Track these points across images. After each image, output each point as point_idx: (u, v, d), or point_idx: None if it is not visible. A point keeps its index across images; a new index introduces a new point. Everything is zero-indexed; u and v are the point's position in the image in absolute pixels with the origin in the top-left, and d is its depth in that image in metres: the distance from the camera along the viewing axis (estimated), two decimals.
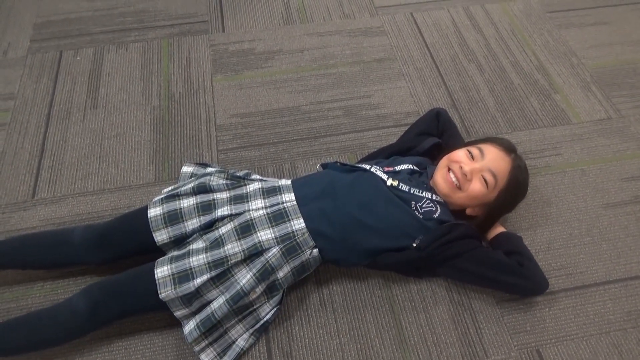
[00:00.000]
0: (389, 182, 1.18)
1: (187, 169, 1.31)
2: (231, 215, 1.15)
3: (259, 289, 1.10)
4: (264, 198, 1.17)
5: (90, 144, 1.55)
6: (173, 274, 1.07)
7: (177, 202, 1.18)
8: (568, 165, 1.51)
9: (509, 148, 1.24)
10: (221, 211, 1.15)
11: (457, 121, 1.61)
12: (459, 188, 1.18)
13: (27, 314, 1.10)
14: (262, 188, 1.20)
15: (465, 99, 1.68)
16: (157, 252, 1.17)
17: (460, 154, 1.20)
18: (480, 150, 1.20)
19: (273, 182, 1.23)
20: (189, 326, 1.09)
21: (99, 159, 1.51)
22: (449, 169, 1.19)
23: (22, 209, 1.40)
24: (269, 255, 1.10)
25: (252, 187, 1.21)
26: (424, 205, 1.18)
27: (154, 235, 1.15)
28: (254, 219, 1.13)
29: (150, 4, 1.98)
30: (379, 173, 1.21)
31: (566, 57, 1.82)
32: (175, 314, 1.09)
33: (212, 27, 1.90)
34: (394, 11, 1.97)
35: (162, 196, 1.20)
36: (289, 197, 1.17)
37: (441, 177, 1.20)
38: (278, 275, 1.11)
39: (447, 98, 1.69)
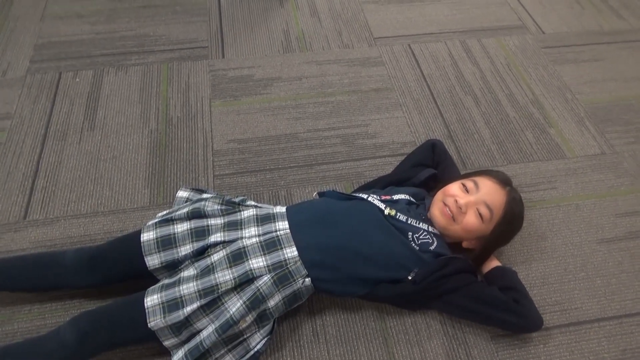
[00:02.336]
0: (387, 211, 1.18)
1: (182, 193, 1.31)
2: (224, 242, 1.14)
3: (249, 318, 1.08)
4: (257, 225, 1.17)
5: (86, 166, 1.54)
6: (163, 303, 1.06)
7: (171, 227, 1.17)
8: (563, 200, 1.52)
9: (504, 181, 1.24)
10: (214, 237, 1.14)
11: (453, 152, 1.62)
12: (455, 221, 1.18)
13: (12, 343, 1.08)
14: (257, 215, 1.19)
15: (462, 131, 1.70)
16: (148, 277, 1.16)
17: (454, 188, 1.21)
18: (475, 183, 1.21)
19: (268, 209, 1.22)
20: (178, 356, 1.06)
21: (94, 181, 1.50)
22: (445, 203, 1.19)
23: (13, 230, 1.38)
24: (260, 283, 1.09)
25: (246, 213, 1.20)
26: (420, 237, 1.18)
27: (145, 259, 1.13)
28: (247, 246, 1.12)
29: (151, 29, 2.01)
30: (377, 202, 1.21)
31: (561, 92, 1.85)
32: (164, 344, 1.07)
33: (212, 52, 1.93)
34: (391, 42, 2.00)
35: (155, 220, 1.19)
36: (283, 225, 1.16)
37: (437, 209, 1.20)
38: (269, 304, 1.10)
39: (443, 129, 1.70)
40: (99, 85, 1.78)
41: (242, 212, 1.20)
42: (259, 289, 1.08)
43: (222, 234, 1.14)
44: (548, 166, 1.61)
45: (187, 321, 1.06)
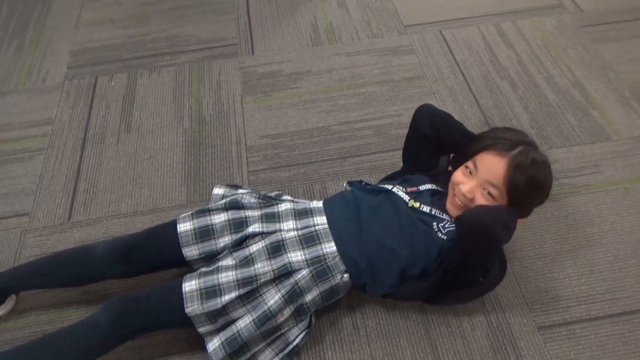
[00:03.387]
0: (410, 203, 1.16)
1: (218, 190, 1.31)
2: (262, 233, 1.14)
3: (287, 311, 1.08)
4: (295, 219, 1.16)
5: (124, 167, 1.57)
6: (201, 289, 1.07)
7: (208, 217, 1.17)
8: (610, 184, 1.45)
9: (509, 147, 1.09)
10: (253, 228, 1.14)
11: None
12: (469, 208, 1.11)
13: (50, 332, 1.11)
14: (294, 209, 1.19)
15: (499, 117, 1.65)
16: (183, 266, 1.17)
17: (458, 174, 1.14)
18: (474, 163, 1.12)
19: (305, 203, 1.22)
20: (213, 344, 1.07)
21: (132, 182, 1.53)
22: (454, 194, 1.15)
23: (59, 232, 1.43)
24: (298, 277, 1.08)
25: (283, 207, 1.20)
26: (446, 226, 1.14)
27: (183, 250, 1.14)
28: (285, 239, 1.12)
29: (181, 30, 2.03)
30: (401, 194, 1.18)
31: (603, 71, 1.77)
32: (199, 330, 1.08)
33: (242, 50, 1.93)
34: (422, 29, 1.96)
35: (191, 211, 1.19)
36: (321, 220, 1.15)
37: (450, 204, 1.16)
38: (306, 299, 1.09)
39: (479, 116, 1.66)
40: (134, 87, 1.82)
41: (279, 205, 1.20)
42: (297, 283, 1.08)
43: (260, 224, 1.14)
44: (592, 149, 1.54)
45: (224, 310, 1.06)
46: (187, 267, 1.18)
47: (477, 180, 1.09)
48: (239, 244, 1.15)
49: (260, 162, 1.56)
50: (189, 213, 1.19)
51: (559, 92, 1.71)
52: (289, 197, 1.28)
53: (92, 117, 1.73)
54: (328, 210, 1.18)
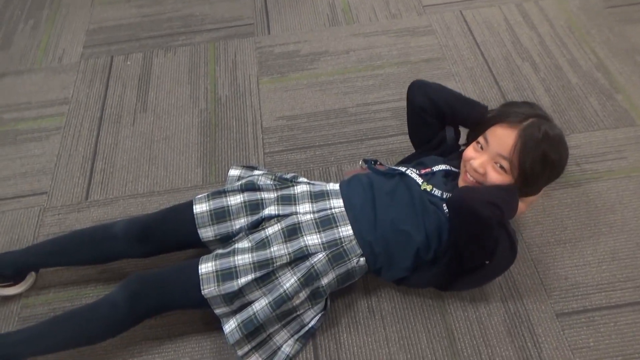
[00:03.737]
0: (423, 186, 1.14)
1: (234, 172, 1.31)
2: (278, 215, 1.13)
3: (303, 294, 1.08)
4: (312, 202, 1.15)
5: (140, 147, 1.57)
6: (217, 271, 1.07)
7: (224, 199, 1.17)
8: (633, 170, 1.42)
9: (519, 120, 1.05)
10: (268, 210, 1.14)
11: None
12: (482, 184, 1.09)
13: (69, 311, 1.12)
14: (310, 191, 1.18)
15: (520, 99, 1.60)
16: (199, 247, 1.18)
17: (469, 150, 1.12)
18: (485, 138, 1.09)
19: (321, 185, 1.21)
20: (230, 326, 1.07)
21: (149, 162, 1.53)
22: (466, 171, 1.12)
23: (77, 210, 1.44)
24: (314, 260, 1.08)
25: (299, 189, 1.19)
26: None
27: (199, 231, 1.14)
28: (301, 222, 1.11)
29: (197, 9, 2.01)
30: (415, 176, 1.16)
31: (628, 54, 1.71)
32: (215, 311, 1.08)
33: (258, 29, 1.91)
34: (442, 10, 1.91)
35: (207, 192, 1.19)
36: (338, 203, 1.14)
37: (462, 181, 1.14)
38: (322, 282, 1.09)
39: (499, 98, 1.62)
40: (149, 67, 1.81)
41: (295, 188, 1.19)
42: (313, 266, 1.07)
43: (276, 207, 1.14)
44: (616, 134, 1.50)
45: (241, 292, 1.06)
46: (204, 247, 1.18)
47: (488, 154, 1.07)
48: (255, 226, 1.14)
49: (276, 144, 1.55)
50: (205, 194, 1.18)
51: (582, 75, 1.67)
52: (305, 179, 1.27)
53: (108, 96, 1.73)
54: (344, 193, 1.16)
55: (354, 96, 1.66)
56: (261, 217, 1.13)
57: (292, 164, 1.50)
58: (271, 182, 1.20)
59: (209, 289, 1.06)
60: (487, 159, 1.07)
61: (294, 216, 1.12)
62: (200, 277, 1.06)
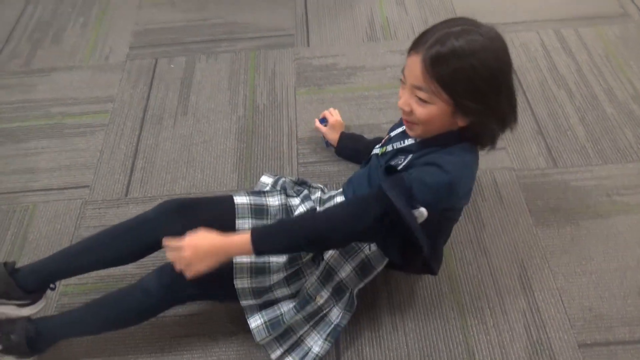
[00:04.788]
0: (380, 151, 1.15)
1: (266, 179, 1.34)
2: None
3: (325, 293, 1.12)
4: (320, 206, 1.22)
5: (179, 149, 1.63)
6: (251, 264, 1.09)
7: (264, 198, 1.20)
8: None
9: (424, 41, 0.92)
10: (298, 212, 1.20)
11: (543, 149, 1.56)
12: (415, 124, 1.00)
13: (105, 295, 1.15)
14: (321, 197, 1.24)
15: (553, 127, 1.62)
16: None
17: (400, 90, 1.02)
18: (402, 72, 0.99)
19: (331, 192, 1.27)
20: (256, 322, 1.11)
21: (187, 164, 1.59)
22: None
23: (116, 206, 1.50)
24: (327, 256, 1.13)
25: (315, 195, 1.26)
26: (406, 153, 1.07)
27: (237, 222, 1.14)
28: None
29: (240, 17, 2.07)
30: (376, 150, 1.19)
31: None
32: (241, 303, 1.11)
33: (298, 40, 1.96)
34: None
35: (245, 190, 1.23)
36: (340, 199, 1.21)
37: (406, 127, 1.07)
38: (341, 276, 1.13)
39: (533, 124, 1.63)
40: (192, 71, 1.87)
41: (316, 192, 1.27)
42: (327, 263, 1.12)
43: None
44: None
45: (270, 288, 1.10)
46: None
47: (407, 89, 0.97)
48: None
49: (310, 155, 1.59)
50: (244, 191, 1.21)
51: (618, 105, 1.67)
52: (320, 186, 1.33)
53: (151, 98, 1.79)
54: (346, 191, 1.22)
55: (387, 112, 1.69)
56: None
57: (325, 175, 1.54)
58: (293, 188, 1.28)
59: (241, 281, 1.08)
60: (407, 94, 0.97)
61: None
62: (235, 266, 1.09)
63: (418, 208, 0.95)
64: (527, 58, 1.83)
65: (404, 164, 1.04)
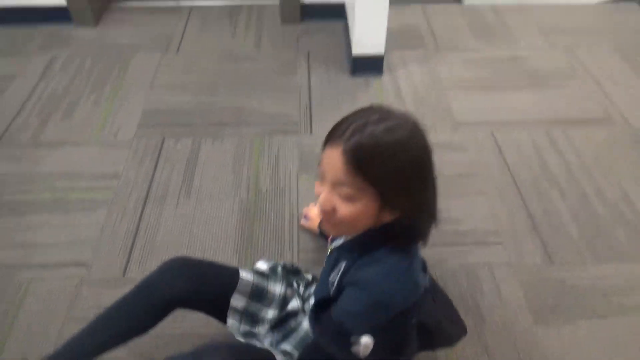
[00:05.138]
0: (329, 246, 1.12)
1: (261, 265, 1.33)
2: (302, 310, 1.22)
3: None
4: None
5: (180, 230, 1.64)
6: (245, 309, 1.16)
7: (266, 282, 1.22)
8: None
9: (342, 133, 0.83)
10: (291, 306, 1.21)
11: (539, 246, 1.60)
12: (337, 224, 0.90)
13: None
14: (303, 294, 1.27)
15: (547, 224, 1.67)
16: (216, 315, 1.20)
17: (316, 185, 0.91)
18: (321, 165, 0.88)
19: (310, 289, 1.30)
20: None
21: (187, 245, 1.59)
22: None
23: (113, 287, 1.48)
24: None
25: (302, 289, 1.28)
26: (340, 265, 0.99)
27: (233, 295, 1.14)
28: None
29: (247, 102, 2.16)
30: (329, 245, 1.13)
31: None
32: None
33: (301, 128, 2.04)
34: (474, 129, 2.04)
35: (252, 268, 1.24)
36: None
37: (323, 223, 0.97)
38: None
39: (527, 220, 1.69)
40: (197, 152, 1.92)
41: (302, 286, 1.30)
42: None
43: (298, 302, 1.23)
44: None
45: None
46: (219, 320, 1.19)
47: (328, 186, 0.86)
48: (281, 319, 1.19)
49: (311, 241, 1.61)
50: (249, 269, 1.22)
51: (608, 206, 1.74)
52: (309, 277, 1.34)
53: (155, 176, 1.83)
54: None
55: None
56: (285, 312, 1.20)
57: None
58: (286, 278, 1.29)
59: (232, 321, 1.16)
60: (327, 191, 0.87)
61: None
62: (230, 305, 1.14)
63: (359, 342, 0.87)
64: (519, 156, 1.93)
65: (337, 278, 0.96)
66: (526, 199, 1.76)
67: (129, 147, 1.95)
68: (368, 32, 2.17)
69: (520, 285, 1.50)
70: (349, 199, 0.84)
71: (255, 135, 2.00)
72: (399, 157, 0.81)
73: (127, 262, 1.55)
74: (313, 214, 1.60)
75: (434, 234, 1.51)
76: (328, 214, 0.88)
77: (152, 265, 1.53)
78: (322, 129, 2.04)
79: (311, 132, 2.03)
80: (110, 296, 1.43)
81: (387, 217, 0.87)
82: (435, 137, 1.98)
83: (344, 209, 0.85)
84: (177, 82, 2.28)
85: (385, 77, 2.31)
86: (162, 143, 1.97)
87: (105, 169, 1.86)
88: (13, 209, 1.71)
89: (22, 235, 1.62)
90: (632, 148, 1.96)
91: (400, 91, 2.23)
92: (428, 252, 1.58)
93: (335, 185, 0.85)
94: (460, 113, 2.11)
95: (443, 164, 1.88)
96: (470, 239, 1.62)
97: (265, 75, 2.32)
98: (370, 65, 2.29)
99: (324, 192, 0.87)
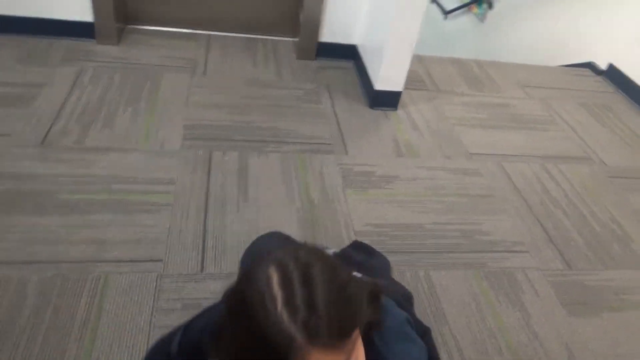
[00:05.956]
0: None
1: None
2: None
3: None
4: None
5: (248, 232, 1.74)
6: None
7: None
8: None
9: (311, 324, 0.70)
10: None
11: (557, 254, 1.88)
12: None
13: None
14: None
15: (559, 237, 1.97)
16: None
17: None
18: None
19: None
20: None
21: None
22: None
23: (194, 281, 1.54)
24: None
25: None
26: None
27: None
28: None
29: (281, 124, 2.33)
30: None
31: (635, 215, 2.17)
32: None
33: (337, 149, 2.23)
34: (485, 158, 2.35)
35: None
36: None
37: None
38: None
39: (543, 234, 1.97)
40: (246, 165, 2.04)
41: None
42: None
43: None
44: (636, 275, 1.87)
45: None
46: None
47: None
48: None
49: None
50: None
51: (602, 225, 2.08)
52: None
53: (211, 184, 1.92)
54: None
55: (428, 215, 1.95)
56: None
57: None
58: None
59: None
60: None
61: None
62: None
63: None
64: (525, 183, 2.25)
65: None
66: (538, 217, 2.06)
67: (178, 157, 2.02)
68: (392, 70, 2.46)
69: (551, 285, 1.75)
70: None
71: (296, 152, 2.16)
72: (346, 298, 0.75)
73: (203, 259, 1.61)
74: None
75: (473, 243, 1.72)
76: None
77: (227, 263, 1.61)
78: (357, 150, 2.24)
79: (346, 152, 2.22)
80: (193, 289, 1.52)
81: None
82: (454, 163, 2.27)
83: None
84: (211, 101, 2.39)
85: (400, 111, 2.59)
86: (210, 155, 2.06)
87: (159, 175, 1.91)
88: (73, 207, 1.71)
89: (90, 232, 1.64)
90: (610, 182, 2.36)
91: (416, 124, 2.51)
92: (471, 256, 1.80)
93: None
94: (470, 145, 2.42)
95: (466, 185, 2.15)
96: (502, 248, 1.87)
97: (292, 101, 2.51)
98: (388, 101, 2.56)
99: None
